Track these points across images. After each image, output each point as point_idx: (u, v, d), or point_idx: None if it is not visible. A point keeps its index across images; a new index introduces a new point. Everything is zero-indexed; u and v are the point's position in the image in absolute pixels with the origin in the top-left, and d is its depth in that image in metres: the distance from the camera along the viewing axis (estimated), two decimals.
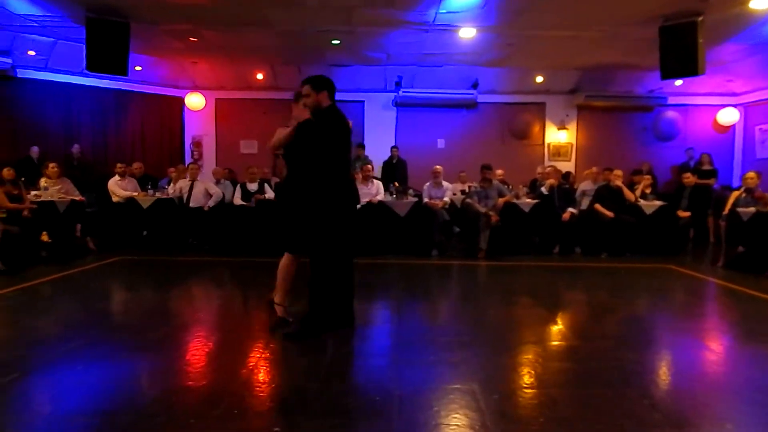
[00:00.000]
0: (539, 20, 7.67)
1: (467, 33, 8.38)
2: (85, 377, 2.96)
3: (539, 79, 11.16)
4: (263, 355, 3.32)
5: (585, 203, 8.12)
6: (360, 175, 8.13)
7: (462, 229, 8.20)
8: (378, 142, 11.15)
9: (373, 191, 7.95)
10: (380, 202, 7.76)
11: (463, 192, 9.19)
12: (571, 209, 7.89)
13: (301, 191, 3.55)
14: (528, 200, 8.01)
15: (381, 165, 10.66)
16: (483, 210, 7.46)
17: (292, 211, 3.65)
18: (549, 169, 8.53)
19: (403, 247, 7.68)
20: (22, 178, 6.99)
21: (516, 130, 11.83)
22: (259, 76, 11.22)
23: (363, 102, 11.83)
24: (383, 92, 11.60)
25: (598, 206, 7.75)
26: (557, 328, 4.15)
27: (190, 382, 2.91)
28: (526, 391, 2.80)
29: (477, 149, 11.08)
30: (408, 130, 11.77)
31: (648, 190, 8.25)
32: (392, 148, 10.77)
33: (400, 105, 11.62)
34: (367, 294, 5.44)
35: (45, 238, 6.84)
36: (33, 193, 7.11)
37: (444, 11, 7.44)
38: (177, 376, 3.00)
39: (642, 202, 7.95)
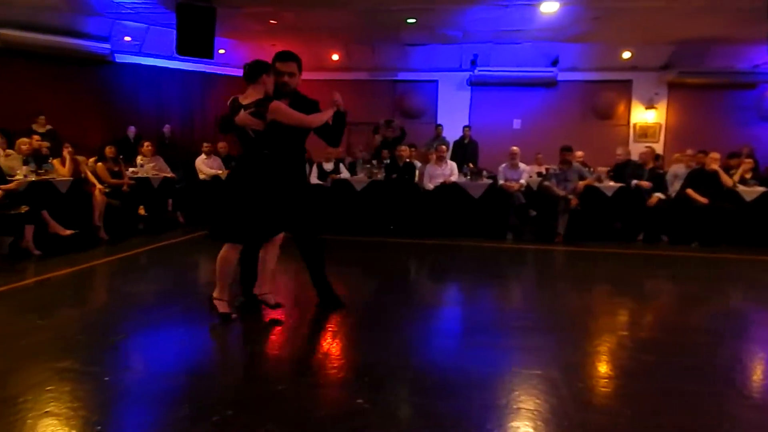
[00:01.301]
0: None
1: (549, 7, 8.02)
2: (182, 340, 3.20)
3: (626, 54, 10.48)
4: (342, 329, 3.44)
5: (676, 187, 7.60)
6: (434, 156, 8.09)
7: (538, 212, 7.96)
8: (451, 122, 10.98)
9: (447, 172, 7.88)
10: (454, 183, 7.68)
11: (539, 174, 8.89)
12: (658, 194, 7.41)
13: (275, 172, 3.24)
14: (611, 183, 7.62)
15: (452, 145, 10.53)
16: (562, 193, 7.20)
17: (253, 195, 3.23)
18: (647, 149, 7.94)
19: (476, 230, 7.58)
20: (121, 156, 7.57)
21: (599, 109, 11.23)
22: (334, 57, 11.36)
23: (437, 81, 11.70)
24: (458, 71, 11.39)
25: (690, 191, 7.23)
26: (641, 318, 3.96)
27: (275, 351, 3.08)
28: (609, 381, 2.71)
29: (555, 130, 10.65)
30: (482, 109, 11.51)
31: (748, 175, 7.57)
32: (464, 128, 10.58)
33: (475, 84, 11.36)
34: (439, 276, 5.47)
35: (141, 211, 7.40)
36: (131, 170, 7.69)
37: None
38: (263, 344, 3.18)
39: (741, 187, 7.32)
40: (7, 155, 6.39)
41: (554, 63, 10.74)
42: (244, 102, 3.14)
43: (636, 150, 9.81)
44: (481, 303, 4.37)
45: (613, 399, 2.49)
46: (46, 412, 2.21)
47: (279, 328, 3.40)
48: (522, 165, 7.93)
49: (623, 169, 7.92)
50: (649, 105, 11.03)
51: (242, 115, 3.11)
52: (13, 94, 9.43)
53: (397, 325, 3.54)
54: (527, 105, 11.31)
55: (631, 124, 11.21)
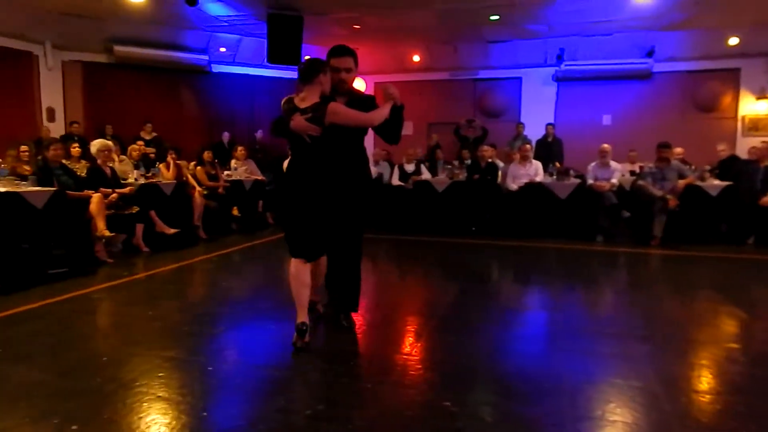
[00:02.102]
0: None
1: None
2: (274, 335, 3.37)
3: (733, 41, 9.58)
4: (424, 331, 3.45)
5: None
6: (518, 155, 7.88)
7: (632, 213, 7.50)
8: (534, 120, 10.63)
9: (532, 172, 7.65)
10: (539, 183, 7.44)
11: (632, 173, 8.38)
12: None
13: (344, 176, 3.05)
14: (716, 182, 7.01)
15: (534, 144, 10.18)
16: (659, 193, 6.73)
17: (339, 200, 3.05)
18: (762, 145, 7.21)
19: (563, 232, 7.29)
20: (216, 160, 8.08)
21: (701, 101, 10.37)
22: (416, 58, 11.41)
23: (520, 78, 11.39)
24: (542, 67, 11.01)
25: None
26: (753, 329, 3.61)
27: (360, 350, 3.15)
28: (718, 397, 2.50)
29: (650, 125, 9.99)
30: (569, 106, 11.04)
31: None
32: (548, 125, 10.19)
33: (561, 79, 10.93)
34: (524, 278, 5.32)
35: (235, 212, 7.87)
36: (225, 173, 8.19)
37: None
38: (348, 343, 3.26)
39: None
40: (120, 161, 7.05)
41: (649, 54, 10.06)
42: (301, 105, 2.91)
43: (746, 144, 8.98)
44: (570, 307, 4.19)
45: (722, 417, 2.29)
46: (158, 396, 2.42)
47: (363, 327, 3.47)
48: (613, 163, 7.50)
49: (729, 167, 7.26)
50: (761, 95, 10.01)
51: (298, 121, 2.86)
52: (125, 104, 10.43)
53: (480, 328, 3.49)
54: (618, 99, 10.69)
55: (739, 117, 10.23)
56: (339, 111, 2.88)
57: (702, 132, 10.04)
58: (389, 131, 3.11)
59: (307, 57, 3.00)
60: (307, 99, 2.91)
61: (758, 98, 10.05)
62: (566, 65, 10.54)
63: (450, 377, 2.66)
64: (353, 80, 3.13)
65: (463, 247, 6.79)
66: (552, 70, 10.91)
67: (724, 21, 8.99)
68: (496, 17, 8.92)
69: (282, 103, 2.98)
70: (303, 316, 3.00)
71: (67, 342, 3.16)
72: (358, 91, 3.21)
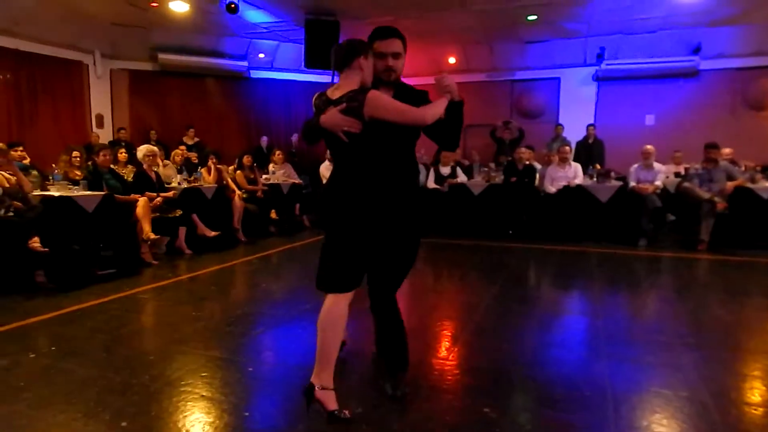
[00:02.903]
0: None
1: None
2: (311, 337, 3.40)
3: None
4: (462, 336, 3.43)
5: None
6: (556, 157, 7.74)
7: (678, 217, 7.24)
8: (574, 121, 10.40)
9: (571, 174, 7.49)
10: (579, 186, 7.27)
11: (677, 175, 8.09)
12: None
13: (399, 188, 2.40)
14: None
15: (574, 145, 9.97)
16: (706, 195, 6.48)
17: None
18: None
19: (604, 235, 7.12)
20: (255, 164, 8.26)
21: (752, 99, 9.91)
22: (451, 60, 11.36)
23: (558, 78, 11.17)
24: (582, 67, 10.77)
25: None
26: None
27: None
28: None
29: (697, 125, 9.62)
30: (610, 106, 10.76)
31: None
32: (588, 126, 9.95)
33: (602, 79, 10.66)
34: (564, 282, 5.21)
35: (273, 215, 8.01)
36: (264, 177, 8.36)
37: None
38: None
39: None
40: (165, 165, 7.29)
41: (696, 51, 9.70)
42: (335, 95, 2.27)
43: None
44: (613, 313, 4.08)
45: None
46: (202, 396, 2.49)
47: None
48: (657, 165, 7.27)
49: None
50: None
51: (330, 114, 2.22)
52: (169, 111, 10.79)
53: (519, 333, 3.45)
54: (662, 99, 10.34)
55: None
56: (382, 102, 2.19)
57: (753, 131, 9.60)
58: (446, 133, 2.43)
59: (348, 39, 2.33)
60: (340, 89, 2.28)
61: None
62: (607, 64, 10.28)
63: (488, 383, 2.64)
64: (402, 69, 2.43)
65: (500, 250, 6.71)
66: (592, 69, 10.66)
67: None
68: (534, 17, 8.79)
69: (313, 99, 2.39)
70: (330, 381, 2.27)
71: (117, 340, 3.30)
72: (409, 85, 2.52)
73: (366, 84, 2.29)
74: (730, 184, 6.58)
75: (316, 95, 2.38)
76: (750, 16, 8.62)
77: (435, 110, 2.28)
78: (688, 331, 3.52)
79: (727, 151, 7.77)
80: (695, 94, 10.12)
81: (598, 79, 10.69)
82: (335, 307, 2.35)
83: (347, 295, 2.37)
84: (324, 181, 9.26)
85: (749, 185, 6.67)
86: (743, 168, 7.14)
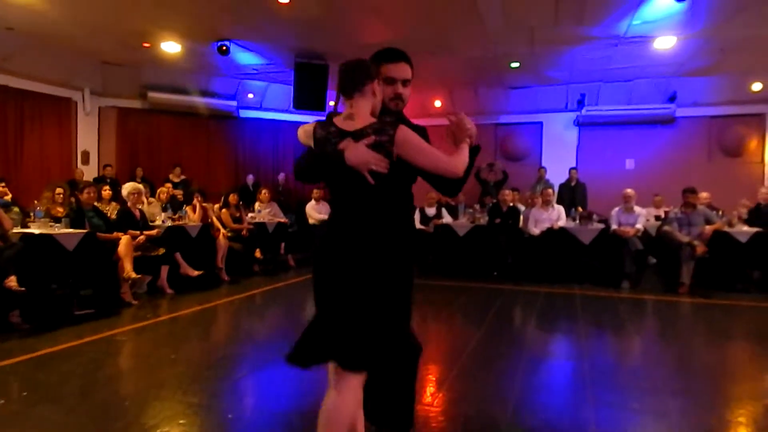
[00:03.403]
0: (760, 18, 6.61)
1: (665, 43, 7.63)
2: (294, 381, 3.34)
3: (757, 86, 9.57)
4: (446, 380, 3.38)
5: None
6: (539, 200, 7.87)
7: (659, 260, 7.35)
8: (556, 164, 10.64)
9: (554, 216, 7.61)
10: (562, 228, 7.38)
11: (658, 218, 8.27)
12: None
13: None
14: (745, 228, 6.86)
15: (557, 188, 10.16)
16: (686, 239, 6.61)
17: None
18: None
19: (587, 277, 7.18)
20: (241, 202, 8.25)
21: (726, 146, 10.27)
22: (437, 103, 11.63)
23: (541, 123, 11.47)
24: (563, 112, 11.09)
25: None
26: None
27: None
28: None
29: (675, 170, 9.90)
30: (591, 150, 11.04)
31: None
32: (571, 170, 10.18)
33: (583, 124, 10.97)
34: (548, 325, 5.21)
35: (258, 254, 7.95)
36: (249, 215, 8.34)
37: (638, 22, 6.89)
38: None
39: None
40: (150, 203, 7.25)
41: (672, 99, 10.08)
42: (351, 126, 1.86)
43: None
44: (599, 357, 4.07)
45: None
46: None
47: None
48: (638, 208, 7.42)
49: (760, 213, 7.12)
50: None
51: (360, 149, 1.80)
52: (157, 148, 10.81)
53: (504, 377, 3.41)
54: (641, 144, 10.66)
55: (767, 161, 10.08)
56: (415, 141, 1.84)
57: (729, 177, 9.90)
58: (452, 180, 2.01)
59: (358, 60, 1.95)
60: (357, 117, 1.87)
61: None
62: (587, 110, 10.61)
63: (473, 428, 2.59)
64: (408, 98, 2.11)
65: (485, 291, 6.71)
66: (573, 115, 10.99)
67: (747, 67, 9.01)
68: (517, 64, 9.11)
69: (312, 128, 1.95)
70: None
71: (93, 384, 3.19)
72: (407, 118, 2.16)
73: (375, 114, 1.95)
74: (708, 228, 6.73)
75: (315, 124, 1.95)
76: (721, 68, 9.03)
77: (464, 159, 1.95)
78: (673, 376, 3.52)
79: (704, 195, 7.97)
80: (672, 141, 10.46)
81: (579, 124, 11.01)
82: (353, 395, 1.80)
83: (358, 380, 1.82)
84: (310, 220, 9.23)
85: (727, 229, 6.83)
86: (721, 212, 7.31)
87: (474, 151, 2.04)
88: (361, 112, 1.89)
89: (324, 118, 1.99)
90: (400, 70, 2.07)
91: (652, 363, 3.99)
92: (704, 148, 10.35)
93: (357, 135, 1.84)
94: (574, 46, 8.01)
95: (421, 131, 2.04)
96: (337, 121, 1.90)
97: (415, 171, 1.91)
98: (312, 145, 1.94)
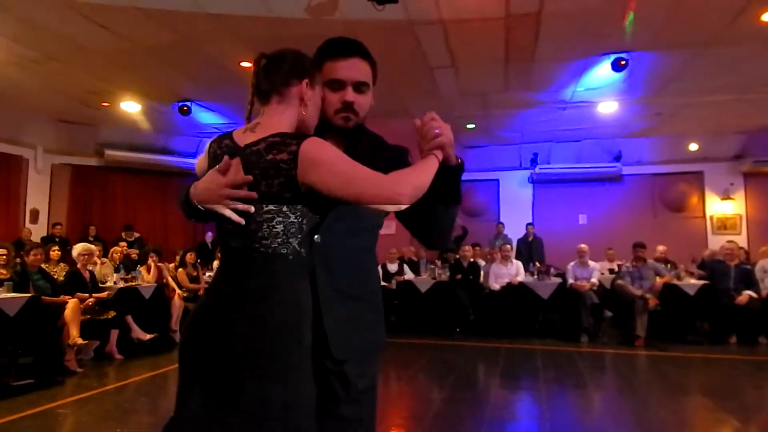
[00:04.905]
0: (692, 88, 7.22)
1: (608, 107, 8.17)
2: None
3: (693, 146, 10.30)
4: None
5: (767, 284, 7.02)
6: (499, 255, 8.03)
7: (614, 313, 7.54)
8: (514, 220, 10.96)
9: (513, 271, 7.75)
10: (521, 283, 7.50)
11: (611, 271, 8.54)
12: (749, 292, 6.86)
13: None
14: (692, 281, 7.16)
15: (516, 243, 10.41)
16: (638, 292, 6.83)
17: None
18: (729, 244, 7.45)
19: (547, 331, 7.27)
20: (199, 261, 8.04)
21: (670, 202, 10.88)
22: None
23: (497, 180, 11.88)
24: (518, 170, 11.56)
25: None
26: None
27: None
28: None
29: (625, 224, 10.35)
30: (546, 206, 11.46)
31: None
32: (528, 225, 10.51)
33: (537, 181, 11.44)
34: (512, 383, 5.19)
35: None
36: (207, 274, 8.12)
37: (582, 89, 7.38)
38: None
39: None
40: (102, 263, 6.97)
41: (617, 158, 10.70)
42: (245, 140, 1.32)
43: (717, 243, 9.30)
44: (561, 416, 4.06)
45: None
46: None
47: None
48: (592, 263, 7.67)
49: (704, 268, 7.50)
50: (725, 196, 10.55)
51: (211, 177, 1.32)
52: (112, 206, 10.55)
53: None
54: (592, 200, 11.16)
55: (708, 216, 10.70)
56: (326, 157, 1.26)
57: (674, 231, 10.41)
58: (434, 221, 1.50)
59: (282, 50, 1.41)
60: (262, 127, 1.33)
61: (723, 199, 10.58)
62: (540, 168, 11.10)
63: None
64: (368, 110, 1.52)
65: (448, 349, 6.66)
66: (527, 172, 11.46)
67: (684, 130, 9.72)
68: (472, 125, 9.52)
69: (208, 145, 1.44)
70: None
71: None
72: (377, 135, 1.60)
73: (306, 128, 1.39)
74: (659, 281, 6.99)
75: (213, 139, 1.43)
76: (661, 130, 9.72)
77: (418, 178, 1.30)
78: None
79: (661, 248, 8.33)
80: (621, 197, 11.00)
81: (533, 181, 11.47)
82: None
83: None
84: None
85: (676, 282, 7.11)
86: (680, 266, 7.64)
87: (453, 171, 1.41)
88: (271, 123, 1.32)
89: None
90: (351, 69, 1.44)
91: (612, 420, 4.01)
92: (650, 204, 10.91)
93: (247, 152, 1.27)
94: (525, 109, 8.48)
95: (399, 153, 1.53)
96: (236, 133, 1.36)
97: (353, 210, 1.30)
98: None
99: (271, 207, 1.26)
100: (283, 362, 1.24)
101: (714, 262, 7.54)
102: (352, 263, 1.47)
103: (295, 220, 1.28)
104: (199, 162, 1.50)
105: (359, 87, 1.46)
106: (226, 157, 1.29)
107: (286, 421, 1.21)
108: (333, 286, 1.41)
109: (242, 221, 1.26)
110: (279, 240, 1.27)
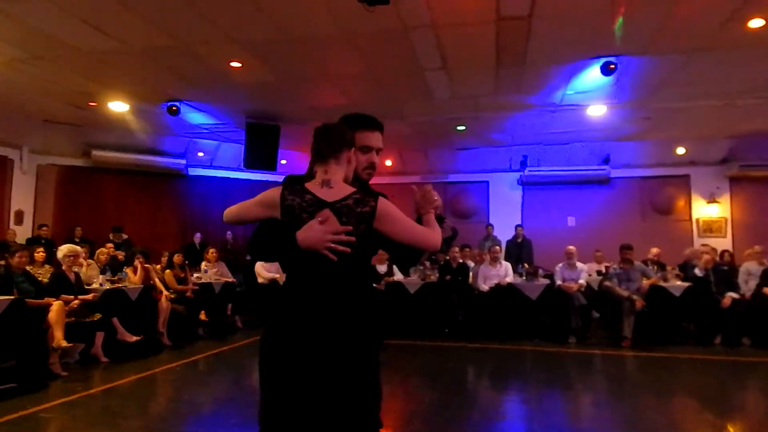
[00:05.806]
0: (681, 93, 7.30)
1: (597, 111, 8.23)
2: None
3: (681, 150, 10.41)
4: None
5: (751, 286, 7.11)
6: (488, 256, 8.05)
7: (602, 314, 7.59)
8: (503, 221, 11.01)
9: (502, 273, 7.78)
10: (509, 284, 7.53)
11: (599, 273, 8.60)
12: (732, 294, 6.95)
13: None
14: (678, 283, 7.24)
15: (505, 245, 10.45)
16: (625, 294, 6.89)
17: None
18: (704, 247, 7.63)
19: (535, 332, 7.30)
20: (187, 262, 7.97)
21: (657, 205, 10.98)
22: (388, 163, 11.92)
23: (487, 182, 11.93)
24: (508, 172, 11.60)
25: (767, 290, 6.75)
26: None
27: None
28: None
29: (613, 227, 10.43)
30: (535, 208, 11.52)
31: None
32: (517, 227, 10.56)
33: (526, 184, 11.49)
34: (501, 384, 5.20)
35: (203, 316, 7.62)
36: (195, 275, 8.05)
37: (572, 92, 7.43)
38: None
39: None
40: (88, 265, 6.89)
41: (606, 161, 10.79)
42: (330, 197, 1.73)
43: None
44: (550, 418, 4.07)
45: None
46: None
47: None
48: (580, 264, 7.72)
49: (686, 270, 7.61)
50: (711, 199, 10.68)
51: (314, 232, 1.69)
52: (100, 207, 10.42)
53: None
54: (581, 203, 11.23)
55: (694, 219, 10.82)
56: (394, 214, 1.76)
57: (661, 233, 10.51)
58: (412, 253, 1.97)
59: (336, 123, 1.90)
60: (335, 186, 1.76)
61: (709, 202, 10.70)
62: (530, 171, 11.16)
63: None
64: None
65: (437, 350, 6.67)
66: (517, 175, 11.51)
67: (672, 134, 9.83)
68: (463, 128, 9.54)
69: (279, 194, 1.78)
70: None
71: None
72: (367, 184, 2.04)
73: (348, 180, 1.84)
74: (645, 283, 7.06)
75: (281, 190, 1.77)
76: (649, 134, 9.81)
77: (440, 231, 1.88)
78: None
79: (654, 251, 8.41)
80: (609, 199, 11.09)
81: (523, 183, 11.52)
82: None
83: None
84: (260, 279, 9.00)
85: (662, 283, 7.18)
86: (655, 267, 7.71)
87: (439, 221, 1.95)
88: (338, 180, 1.77)
89: (273, 174, 2.01)
90: (375, 139, 1.99)
91: (600, 420, 4.04)
92: (637, 207, 11.01)
93: (336, 207, 1.72)
94: (515, 112, 8.52)
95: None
96: (312, 187, 1.76)
97: (385, 242, 1.78)
98: (277, 216, 1.76)
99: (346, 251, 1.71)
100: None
101: (690, 266, 7.66)
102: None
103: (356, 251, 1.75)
104: (257, 206, 1.87)
105: (379, 152, 2.00)
106: (326, 210, 1.72)
107: None
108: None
109: (335, 258, 1.69)
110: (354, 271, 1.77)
